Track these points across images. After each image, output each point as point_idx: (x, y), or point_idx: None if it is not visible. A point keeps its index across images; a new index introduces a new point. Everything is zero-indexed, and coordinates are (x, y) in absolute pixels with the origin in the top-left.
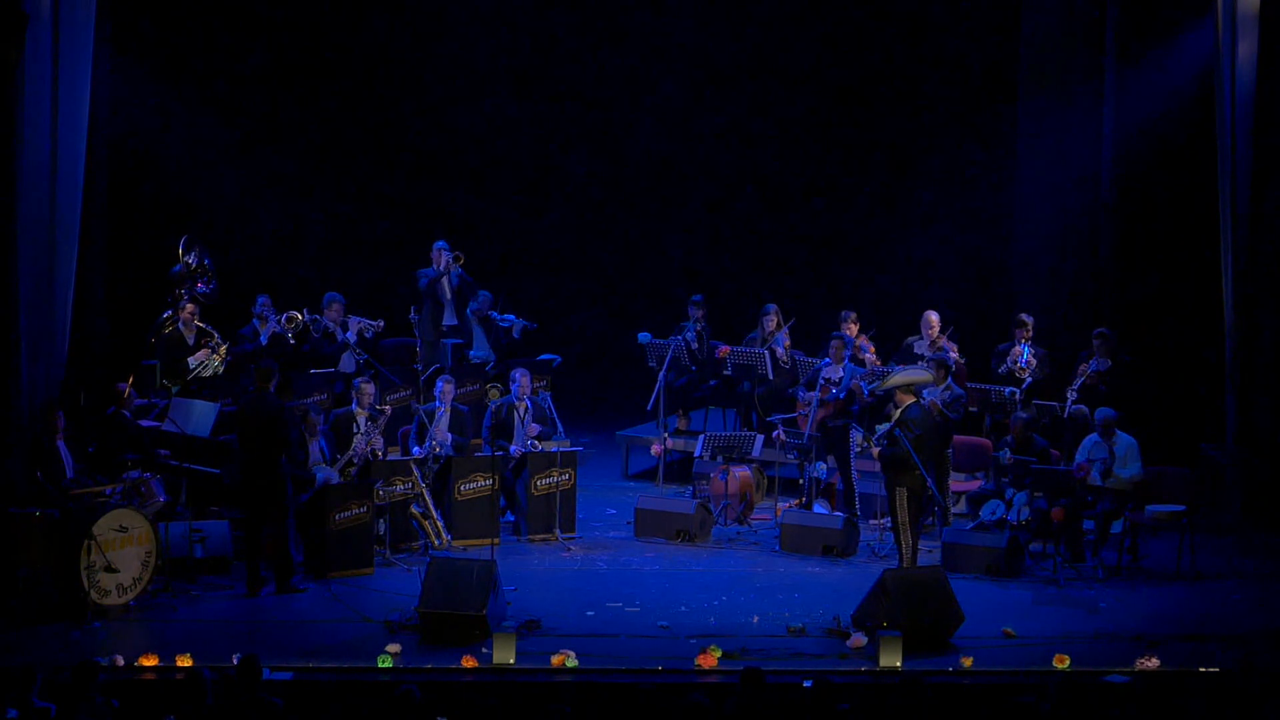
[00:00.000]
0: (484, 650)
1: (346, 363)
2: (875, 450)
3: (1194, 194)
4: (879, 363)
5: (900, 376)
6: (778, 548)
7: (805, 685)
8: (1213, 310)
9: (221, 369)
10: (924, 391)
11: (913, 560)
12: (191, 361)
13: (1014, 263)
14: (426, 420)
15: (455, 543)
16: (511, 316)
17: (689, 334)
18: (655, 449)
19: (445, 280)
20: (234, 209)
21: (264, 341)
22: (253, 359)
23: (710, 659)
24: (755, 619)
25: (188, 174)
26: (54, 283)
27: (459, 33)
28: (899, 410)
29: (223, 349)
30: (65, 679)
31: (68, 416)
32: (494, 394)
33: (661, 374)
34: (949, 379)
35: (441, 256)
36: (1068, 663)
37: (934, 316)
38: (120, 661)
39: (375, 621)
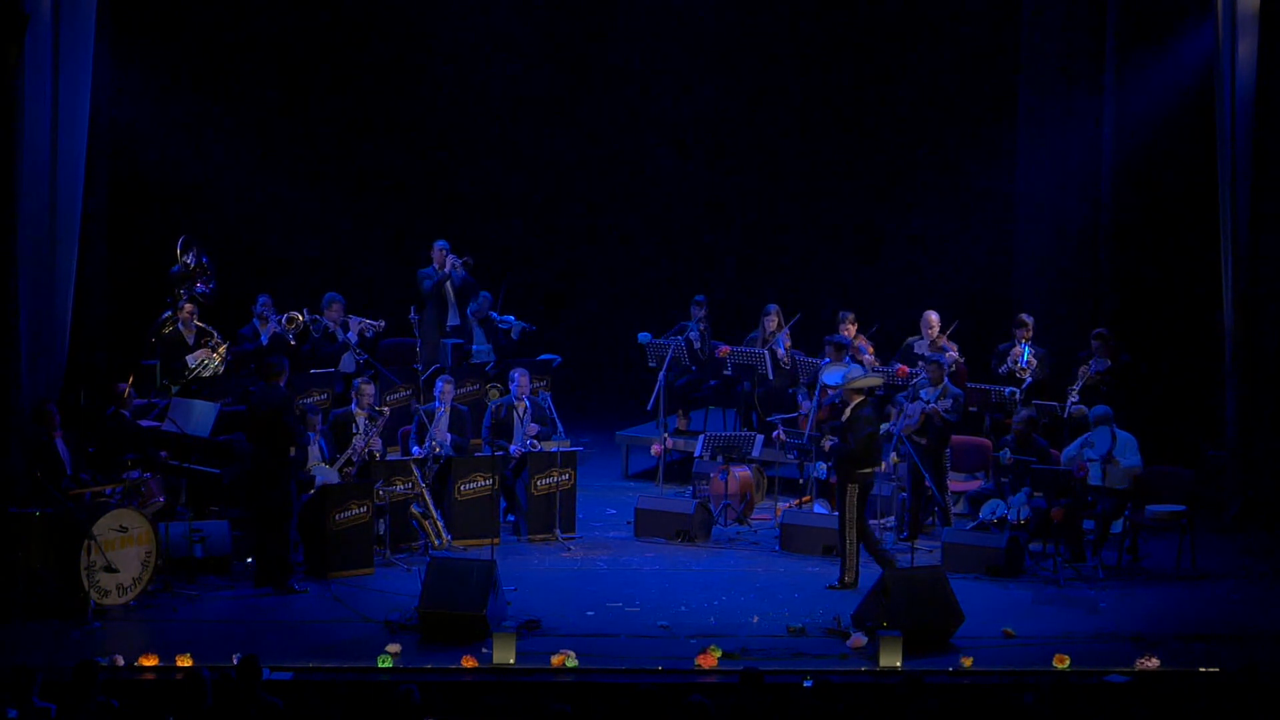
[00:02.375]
0: (484, 650)
1: (347, 363)
2: (825, 445)
3: (1194, 194)
4: (877, 363)
5: (858, 380)
6: (778, 548)
7: (805, 685)
8: (1213, 310)
9: (221, 369)
10: (922, 393)
11: (855, 562)
12: (191, 361)
13: (1014, 263)
14: (426, 420)
15: (455, 543)
16: (511, 318)
17: (691, 333)
18: (655, 449)
19: (448, 281)
20: (234, 209)
21: (264, 342)
22: (253, 358)
23: (710, 659)
24: (755, 619)
25: (188, 174)
26: (54, 283)
27: (460, 32)
28: (849, 409)
29: (222, 348)
30: (65, 679)
31: (66, 416)
32: (494, 394)
33: (661, 374)
34: (945, 380)
35: (445, 258)
36: (1068, 663)
37: (934, 316)
38: (120, 661)
39: (375, 621)
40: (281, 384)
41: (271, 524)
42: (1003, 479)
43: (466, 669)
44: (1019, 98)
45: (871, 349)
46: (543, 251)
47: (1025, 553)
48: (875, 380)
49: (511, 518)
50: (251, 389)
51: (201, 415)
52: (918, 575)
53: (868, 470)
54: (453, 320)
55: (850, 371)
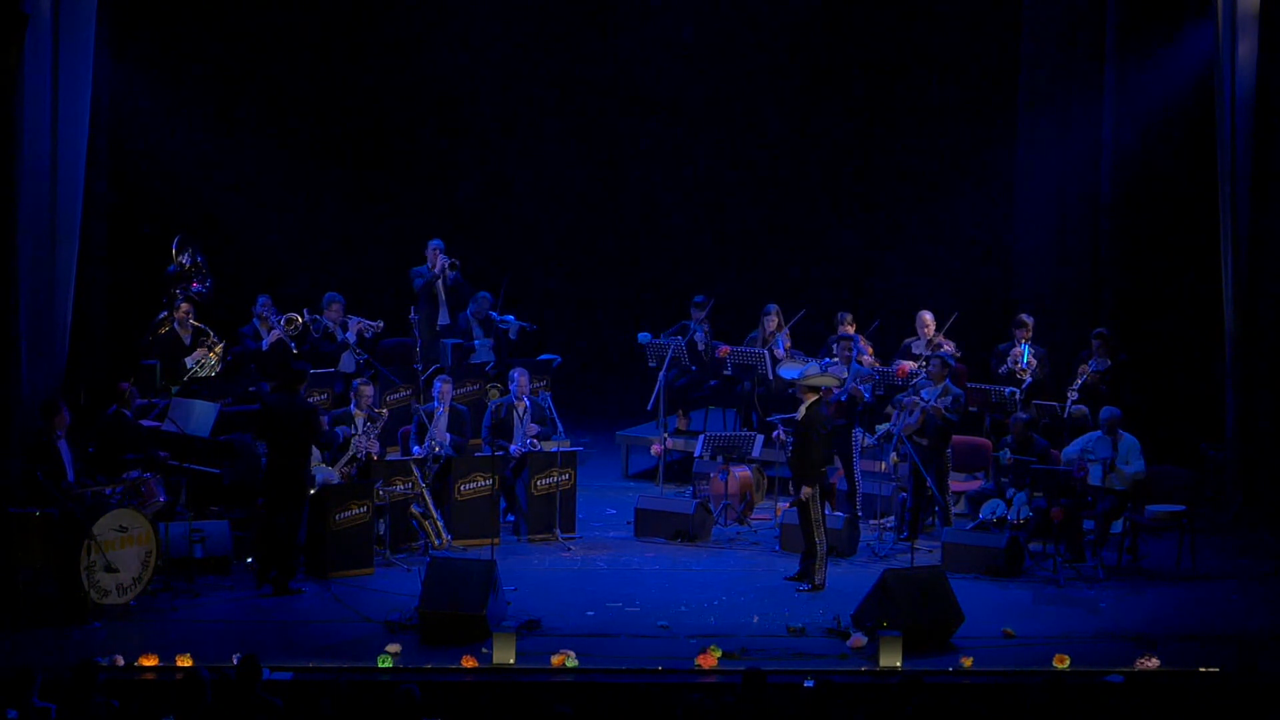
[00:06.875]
0: (484, 650)
1: (346, 363)
2: (788, 457)
3: (1194, 194)
4: (877, 363)
5: (814, 379)
6: (778, 548)
7: (806, 685)
8: (1213, 310)
9: (218, 368)
10: (923, 393)
11: (823, 560)
12: (189, 362)
13: (1014, 263)
14: (426, 420)
15: (455, 543)
16: (511, 318)
17: (696, 334)
18: (655, 449)
19: (440, 281)
20: (234, 209)
21: (265, 346)
22: (253, 359)
23: (710, 659)
24: (755, 619)
25: (187, 174)
26: (54, 283)
27: (459, 32)
28: (804, 408)
29: (219, 347)
30: (65, 679)
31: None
32: (494, 394)
33: (661, 374)
34: (948, 379)
35: (437, 257)
36: (1068, 663)
37: (928, 315)
38: (120, 661)
39: (375, 621)
40: (302, 391)
41: (282, 526)
42: (1003, 479)
43: (466, 669)
44: (1018, 97)
45: (871, 349)
46: (543, 251)
47: (1025, 553)
48: (831, 380)
49: (511, 518)
50: (252, 389)
51: (201, 415)
52: (918, 575)
53: (824, 470)
54: (443, 320)
55: (808, 369)
